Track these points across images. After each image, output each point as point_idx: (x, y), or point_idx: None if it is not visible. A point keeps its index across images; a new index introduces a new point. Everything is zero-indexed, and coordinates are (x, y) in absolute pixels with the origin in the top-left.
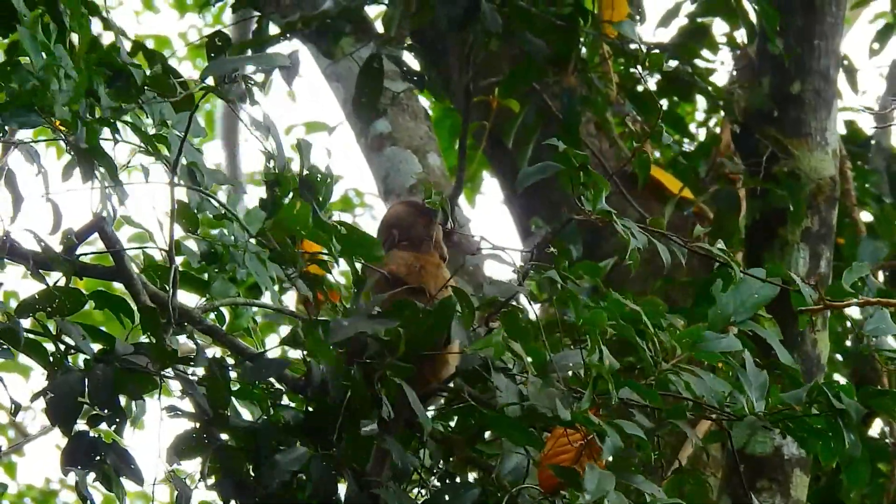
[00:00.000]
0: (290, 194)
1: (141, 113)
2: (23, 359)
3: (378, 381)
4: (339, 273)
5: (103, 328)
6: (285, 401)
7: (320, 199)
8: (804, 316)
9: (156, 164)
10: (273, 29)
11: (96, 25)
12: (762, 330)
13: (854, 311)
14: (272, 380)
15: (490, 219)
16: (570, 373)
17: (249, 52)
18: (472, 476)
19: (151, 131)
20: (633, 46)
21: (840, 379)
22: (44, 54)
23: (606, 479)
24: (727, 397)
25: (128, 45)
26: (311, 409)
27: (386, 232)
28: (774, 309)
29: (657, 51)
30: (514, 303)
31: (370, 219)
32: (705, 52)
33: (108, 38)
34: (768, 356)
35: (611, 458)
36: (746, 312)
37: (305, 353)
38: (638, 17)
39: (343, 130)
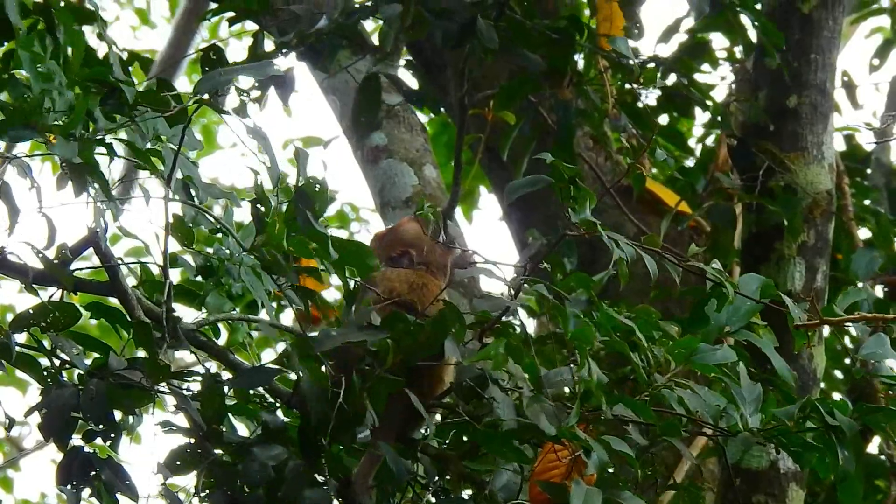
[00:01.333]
0: (283, 207)
1: (135, 128)
2: (20, 373)
3: (367, 392)
4: (335, 289)
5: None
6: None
7: (316, 208)
8: (801, 336)
9: (151, 178)
10: (269, 44)
11: (92, 36)
12: (757, 339)
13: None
14: (266, 394)
15: (487, 234)
16: (566, 389)
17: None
18: (466, 492)
19: (148, 145)
20: (630, 61)
21: (836, 395)
22: (39, 69)
23: (593, 495)
24: (722, 412)
25: (124, 55)
26: (300, 420)
27: (398, 247)
28: (770, 323)
29: (653, 65)
30: (510, 317)
31: (366, 233)
32: (705, 67)
33: (102, 47)
34: (764, 367)
35: (602, 474)
36: (740, 321)
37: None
38: (637, 31)
39: (339, 145)
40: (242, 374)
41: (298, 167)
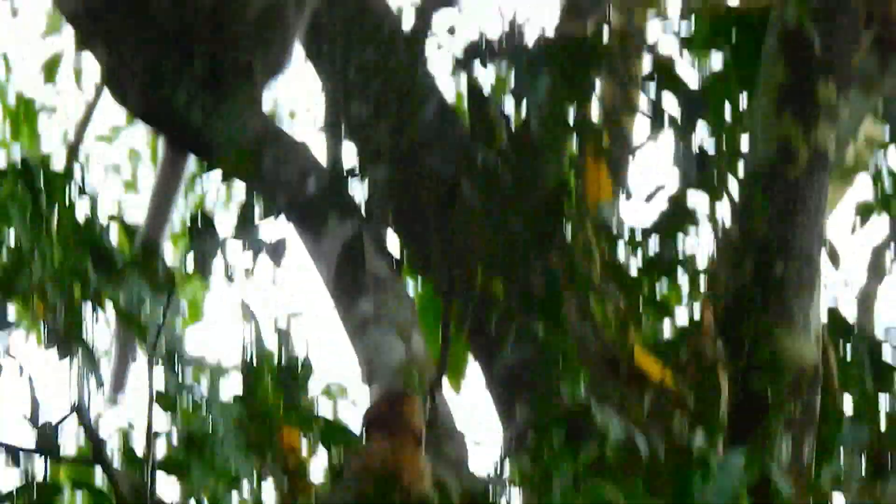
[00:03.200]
0: (268, 379)
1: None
2: None
3: None
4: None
5: None
6: None
7: (299, 389)
8: None
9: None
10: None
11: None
12: None
13: None
14: None
15: (474, 400)
16: None
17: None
18: None
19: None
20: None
21: None
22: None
23: None
24: None
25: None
26: None
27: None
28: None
29: (640, 232)
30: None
31: (353, 407)
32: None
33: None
34: None
35: None
36: (728, 502)
37: None
38: (625, 194)
39: (328, 313)
40: None
41: (280, 347)
